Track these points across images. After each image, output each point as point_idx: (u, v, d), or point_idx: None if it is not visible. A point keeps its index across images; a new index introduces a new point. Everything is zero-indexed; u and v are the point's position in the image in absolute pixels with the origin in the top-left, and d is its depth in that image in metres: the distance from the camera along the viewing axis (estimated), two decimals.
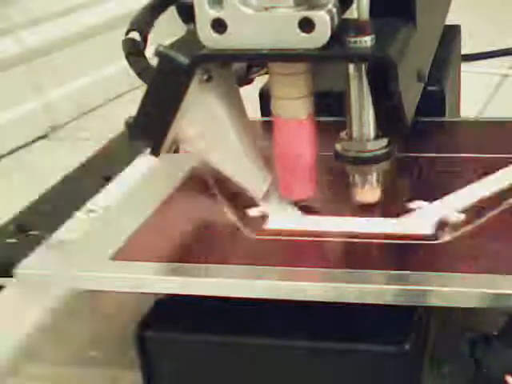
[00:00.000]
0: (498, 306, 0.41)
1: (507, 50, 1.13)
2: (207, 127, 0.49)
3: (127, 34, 0.54)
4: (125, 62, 0.52)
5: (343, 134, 0.49)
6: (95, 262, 0.47)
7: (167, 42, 0.48)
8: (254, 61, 0.52)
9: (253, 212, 0.51)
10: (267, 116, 0.53)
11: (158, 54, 0.47)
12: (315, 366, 0.43)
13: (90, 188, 0.56)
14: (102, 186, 0.56)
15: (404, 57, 0.46)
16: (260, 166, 0.51)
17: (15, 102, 1.05)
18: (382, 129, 0.48)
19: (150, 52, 0.55)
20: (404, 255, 0.46)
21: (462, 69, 0.76)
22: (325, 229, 0.48)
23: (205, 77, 0.47)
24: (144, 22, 0.54)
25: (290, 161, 0.49)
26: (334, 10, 0.44)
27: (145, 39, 0.54)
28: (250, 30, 0.44)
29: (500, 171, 0.53)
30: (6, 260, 0.47)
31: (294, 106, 0.48)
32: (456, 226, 0.47)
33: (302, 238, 0.48)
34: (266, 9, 0.44)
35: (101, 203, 0.54)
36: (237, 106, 0.51)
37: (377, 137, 0.49)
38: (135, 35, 0.54)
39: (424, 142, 0.59)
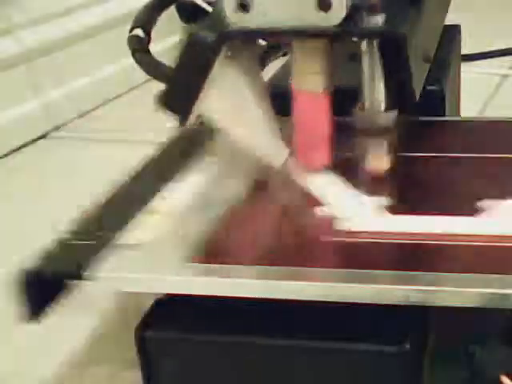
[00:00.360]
0: (499, 306, 0.41)
1: (507, 50, 1.13)
2: (231, 101, 0.53)
3: (131, 31, 0.55)
4: (124, 62, 0.52)
5: (356, 107, 0.54)
6: (172, 265, 0.45)
7: (168, 39, 0.49)
8: (276, 38, 0.57)
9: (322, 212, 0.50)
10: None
11: (184, 31, 0.51)
12: (315, 365, 0.43)
13: (151, 189, 0.55)
14: (163, 186, 0.55)
15: (413, 34, 0.50)
16: (279, 138, 0.54)
17: (15, 102, 1.06)
18: (392, 101, 0.53)
19: (153, 48, 0.56)
20: None
21: (461, 69, 0.76)
22: (416, 230, 0.47)
23: (230, 53, 0.51)
24: (147, 19, 0.56)
25: (307, 130, 0.53)
26: None
27: (148, 36, 0.55)
28: (272, 9, 0.48)
29: None
30: (75, 262, 0.46)
31: (312, 80, 0.52)
32: None
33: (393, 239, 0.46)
34: None
35: (167, 204, 0.53)
36: (258, 83, 0.54)
37: (387, 109, 0.53)
38: (139, 32, 0.55)
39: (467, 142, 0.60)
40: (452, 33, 0.73)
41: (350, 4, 0.47)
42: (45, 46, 1.10)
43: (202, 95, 0.51)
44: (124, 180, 0.56)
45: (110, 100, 1.18)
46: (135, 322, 0.45)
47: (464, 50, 0.78)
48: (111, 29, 1.15)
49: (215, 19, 0.51)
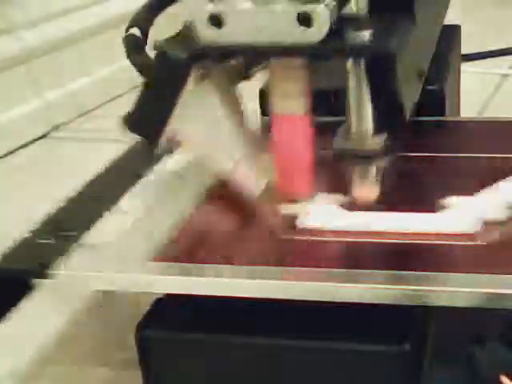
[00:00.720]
0: (499, 306, 0.41)
1: (507, 49, 1.13)
2: (205, 123, 0.49)
3: (127, 30, 0.54)
4: (125, 62, 0.52)
5: (341, 130, 0.49)
6: (134, 264, 0.46)
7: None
8: (252, 56, 0.52)
9: (287, 209, 0.50)
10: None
11: (155, 49, 0.47)
12: (315, 365, 0.43)
13: (119, 188, 0.55)
14: (131, 186, 0.55)
15: (403, 51, 0.46)
16: (256, 165, 0.51)
17: (15, 102, 1.06)
18: (381, 124, 0.48)
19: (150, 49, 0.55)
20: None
21: (461, 69, 0.76)
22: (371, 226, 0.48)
23: (201, 73, 0.47)
24: (144, 19, 0.54)
25: (289, 157, 0.49)
26: (333, 5, 0.44)
27: (145, 36, 0.54)
28: (247, 24, 0.44)
29: None
30: (39, 261, 0.46)
31: (293, 103, 0.48)
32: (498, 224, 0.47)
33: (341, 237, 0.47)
34: (264, 3, 0.44)
35: (132, 204, 0.53)
36: (234, 103, 0.51)
37: (376, 132, 0.48)
38: (136, 32, 0.54)
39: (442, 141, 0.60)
40: (452, 33, 0.73)
41: (334, 18, 0.44)
42: (45, 45, 1.10)
43: (172, 117, 0.48)
44: (90, 179, 0.57)
45: (110, 100, 1.19)
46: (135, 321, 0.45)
47: (464, 50, 0.78)
48: (111, 29, 1.15)
49: (186, 35, 0.47)
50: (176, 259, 0.46)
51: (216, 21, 0.44)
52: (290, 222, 0.49)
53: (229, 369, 0.45)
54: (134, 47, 0.53)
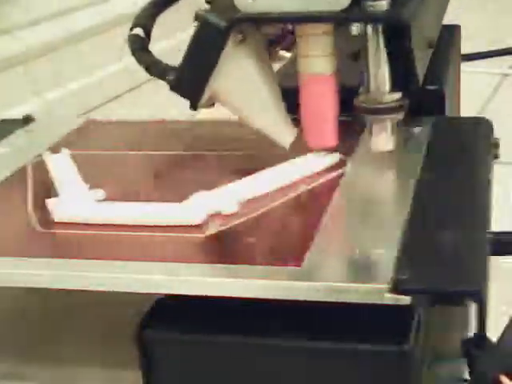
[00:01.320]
0: None
1: (507, 49, 1.13)
2: (240, 84, 0.54)
3: (131, 30, 0.55)
4: (124, 62, 0.52)
5: (361, 89, 0.54)
6: None
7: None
8: (283, 23, 0.58)
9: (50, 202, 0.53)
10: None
11: (197, 17, 0.52)
12: (315, 366, 0.43)
13: None
14: None
15: (417, 20, 0.52)
16: (287, 120, 0.56)
17: (14, 101, 1.06)
18: (397, 83, 0.54)
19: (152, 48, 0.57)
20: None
21: (461, 69, 0.76)
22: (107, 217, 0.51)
23: (239, 38, 0.53)
24: (147, 19, 0.56)
25: (316, 113, 0.54)
26: None
27: (148, 35, 0.56)
28: None
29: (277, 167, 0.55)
30: None
31: (319, 63, 0.53)
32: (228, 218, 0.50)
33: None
34: None
35: None
36: (266, 67, 0.55)
37: (392, 90, 0.54)
38: (139, 31, 0.55)
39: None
40: (452, 33, 0.73)
41: None
42: (44, 45, 1.10)
43: (212, 79, 0.53)
44: None
45: (110, 100, 1.19)
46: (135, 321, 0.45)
47: (464, 50, 0.78)
48: (111, 29, 1.15)
49: (224, 4, 0.52)
50: None
51: None
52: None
53: (229, 369, 0.45)
54: (138, 46, 0.55)
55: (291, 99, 0.55)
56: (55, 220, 0.52)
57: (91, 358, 0.54)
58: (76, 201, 0.53)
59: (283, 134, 0.56)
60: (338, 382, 0.44)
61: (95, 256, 0.47)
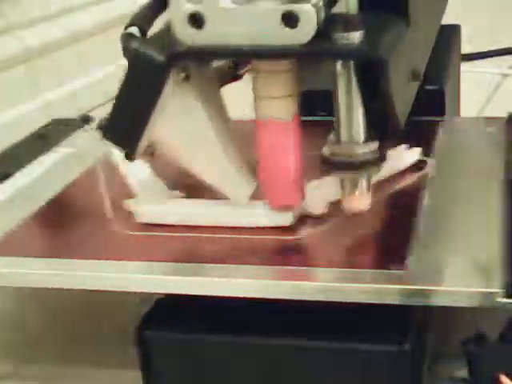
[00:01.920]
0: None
1: (507, 49, 1.13)
2: (186, 131, 0.46)
3: (126, 29, 0.54)
4: (125, 62, 0.52)
5: (331, 137, 0.46)
6: None
7: None
8: (235, 58, 0.50)
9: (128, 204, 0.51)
10: None
11: (126, 49, 0.44)
12: (315, 365, 0.43)
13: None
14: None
15: (395, 54, 0.43)
16: (243, 171, 0.48)
17: (14, 101, 1.05)
18: (373, 131, 0.45)
19: None
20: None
21: (461, 69, 0.76)
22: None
23: (182, 76, 0.45)
24: (144, 19, 0.53)
25: (276, 166, 0.46)
26: (321, 4, 0.41)
27: (144, 35, 0.53)
28: (229, 24, 0.42)
29: None
30: None
31: (280, 106, 0.45)
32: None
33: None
34: (247, 2, 0.41)
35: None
36: (218, 107, 0.48)
37: (367, 140, 0.45)
38: (134, 30, 0.53)
39: None
40: (452, 33, 0.73)
41: (321, 18, 0.41)
42: (45, 45, 1.10)
43: (151, 124, 0.45)
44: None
45: (110, 100, 1.18)
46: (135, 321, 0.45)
47: (464, 50, 0.78)
48: (111, 29, 1.15)
49: (166, 32, 0.44)
50: (12, 254, 0.48)
51: (196, 20, 0.42)
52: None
53: (229, 369, 0.45)
54: (132, 45, 0.52)
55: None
56: (138, 221, 0.50)
57: (91, 357, 0.54)
58: (157, 201, 0.51)
59: (238, 188, 0.48)
60: (338, 381, 0.44)
61: (180, 259, 0.46)
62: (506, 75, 1.06)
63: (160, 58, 0.43)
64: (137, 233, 0.49)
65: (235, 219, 0.48)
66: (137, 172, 0.55)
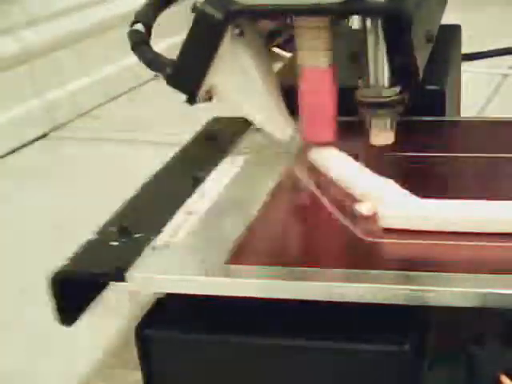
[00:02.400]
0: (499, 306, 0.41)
1: (507, 49, 1.13)
2: (238, 79, 0.54)
3: (132, 25, 0.55)
4: (125, 62, 0.52)
5: (361, 82, 0.54)
6: (211, 267, 0.44)
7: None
8: (282, 15, 0.57)
9: (362, 208, 0.48)
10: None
11: (194, 8, 0.51)
12: (315, 365, 0.43)
13: (183, 188, 0.54)
14: (193, 186, 0.54)
15: (417, 13, 0.51)
16: (285, 113, 0.56)
17: (15, 101, 1.06)
18: (396, 77, 0.53)
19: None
20: None
21: (461, 69, 0.76)
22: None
23: (237, 31, 0.52)
24: (148, 15, 0.56)
25: (314, 107, 0.54)
26: None
27: (149, 31, 0.55)
28: None
29: None
30: (115, 263, 0.45)
31: (317, 56, 0.53)
32: None
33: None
34: None
35: (198, 205, 0.52)
36: (265, 61, 0.55)
37: (391, 85, 0.54)
38: (139, 27, 0.55)
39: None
40: (452, 33, 0.73)
41: None
42: (45, 45, 1.10)
43: (209, 73, 0.52)
44: (152, 178, 0.56)
45: (110, 100, 1.18)
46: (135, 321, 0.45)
47: (464, 50, 0.78)
48: (112, 28, 1.15)
49: None
50: (253, 262, 0.45)
51: None
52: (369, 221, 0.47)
53: (229, 368, 0.45)
54: (139, 41, 0.54)
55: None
56: (383, 226, 0.46)
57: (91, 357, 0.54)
58: (402, 203, 0.47)
59: (281, 128, 0.56)
60: (338, 381, 0.44)
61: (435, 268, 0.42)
62: (506, 75, 1.06)
63: (219, 15, 0.50)
64: (379, 240, 0.46)
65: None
66: (350, 171, 0.52)
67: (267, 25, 0.58)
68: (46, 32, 1.10)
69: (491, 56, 1.11)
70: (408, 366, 0.42)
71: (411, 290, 0.41)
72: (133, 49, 0.55)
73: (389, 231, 0.46)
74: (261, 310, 0.44)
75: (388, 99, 0.54)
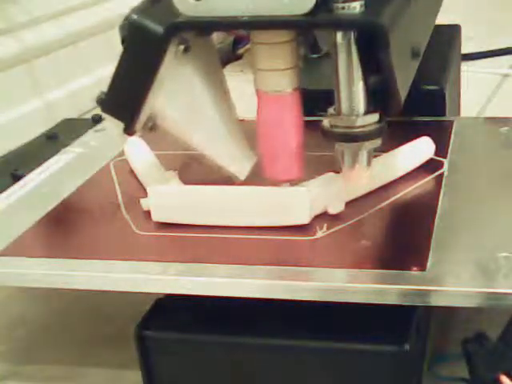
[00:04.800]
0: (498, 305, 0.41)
1: (507, 49, 1.13)
2: (185, 103, 0.46)
3: (125, 20, 0.54)
4: None
5: (331, 109, 0.45)
6: None
7: None
8: (234, 29, 0.50)
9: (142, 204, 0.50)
10: None
11: (128, 21, 0.43)
12: (315, 365, 0.43)
13: None
14: (11, 184, 0.59)
15: (396, 25, 0.42)
16: (243, 144, 0.48)
17: (15, 101, 1.05)
18: (373, 103, 0.44)
19: None
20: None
21: (461, 69, 0.76)
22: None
23: (181, 48, 0.44)
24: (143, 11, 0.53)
25: (275, 139, 0.46)
26: None
27: None
28: None
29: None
30: None
31: (279, 79, 0.44)
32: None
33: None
34: None
35: (3, 200, 0.56)
36: (218, 81, 0.47)
37: (367, 112, 0.44)
38: None
39: None
40: (452, 33, 0.73)
41: None
42: (45, 45, 1.10)
43: (150, 97, 0.44)
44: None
45: None
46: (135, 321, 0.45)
47: (464, 50, 0.78)
48: (112, 28, 1.15)
49: (163, 7, 0.43)
50: (23, 254, 0.47)
51: None
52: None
53: (228, 369, 0.45)
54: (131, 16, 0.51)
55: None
56: (154, 220, 0.49)
57: (91, 357, 0.54)
58: (169, 195, 0.48)
59: (237, 164, 0.48)
60: (338, 381, 0.44)
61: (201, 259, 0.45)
62: (506, 75, 1.06)
63: (159, 29, 0.42)
64: (149, 233, 0.48)
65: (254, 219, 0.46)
66: (140, 156, 0.54)
67: (229, 34, 0.51)
68: (46, 32, 1.10)
69: (491, 56, 1.12)
70: (408, 366, 0.42)
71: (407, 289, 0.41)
72: (122, 43, 0.51)
73: (161, 224, 0.48)
74: (261, 310, 0.44)
75: (363, 129, 0.44)
